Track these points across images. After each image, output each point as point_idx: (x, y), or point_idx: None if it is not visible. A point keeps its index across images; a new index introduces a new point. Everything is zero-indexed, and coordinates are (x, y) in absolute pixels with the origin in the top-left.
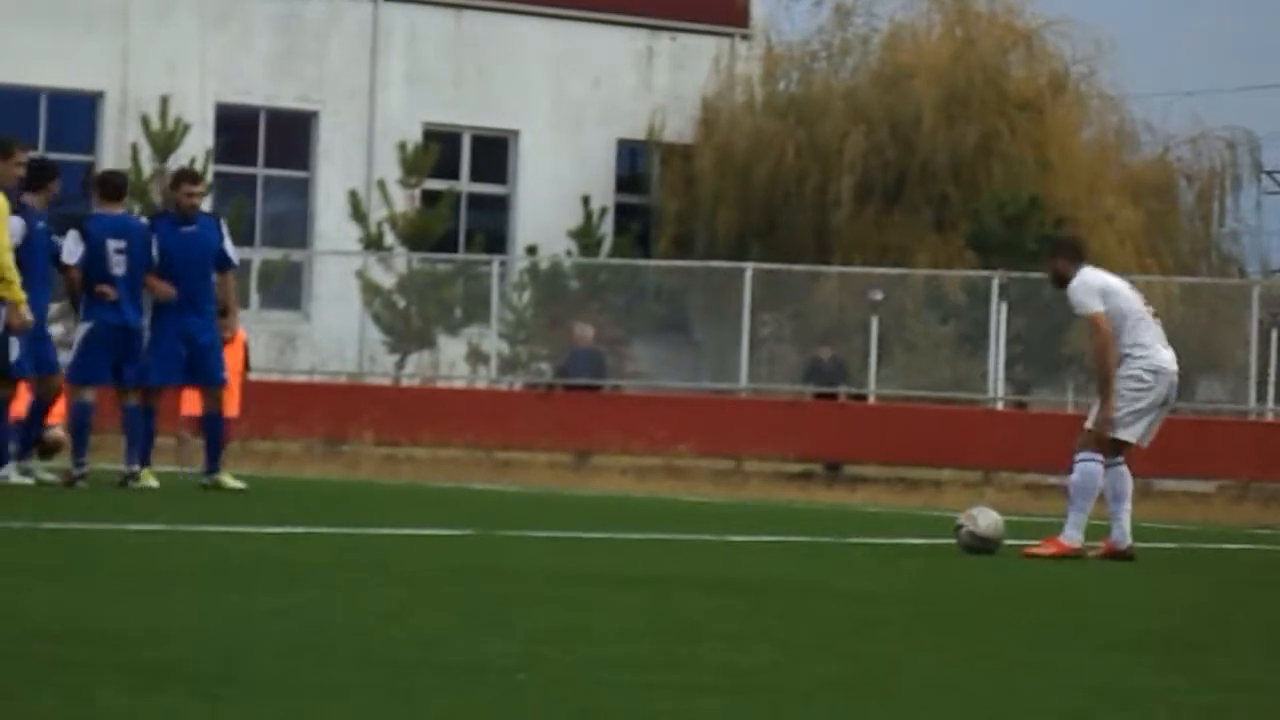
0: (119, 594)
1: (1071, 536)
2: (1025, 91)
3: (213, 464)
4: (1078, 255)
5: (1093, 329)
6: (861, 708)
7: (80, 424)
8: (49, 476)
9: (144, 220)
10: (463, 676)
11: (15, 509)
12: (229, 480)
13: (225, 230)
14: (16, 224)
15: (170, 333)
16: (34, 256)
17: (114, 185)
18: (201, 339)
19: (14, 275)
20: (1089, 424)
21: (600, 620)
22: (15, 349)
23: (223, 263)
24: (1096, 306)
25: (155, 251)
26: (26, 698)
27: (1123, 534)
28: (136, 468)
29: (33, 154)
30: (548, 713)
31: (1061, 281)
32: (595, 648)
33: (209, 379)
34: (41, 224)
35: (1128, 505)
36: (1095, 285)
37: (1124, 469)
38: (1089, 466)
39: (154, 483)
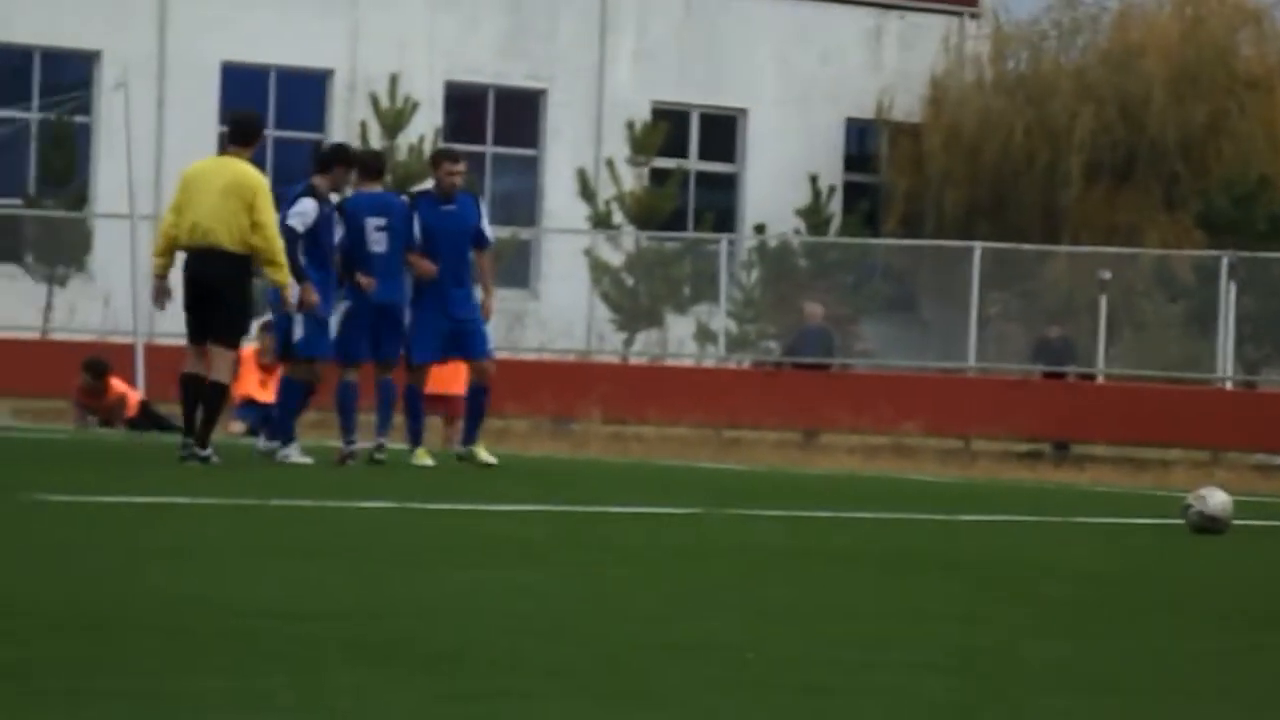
0: (346, 571)
1: None
2: (1255, 70)
3: (470, 435)
4: None
5: None
6: (1088, 691)
7: (346, 403)
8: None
9: (404, 198)
10: (689, 655)
11: (261, 487)
12: (483, 454)
13: (484, 209)
14: (309, 205)
15: (432, 311)
16: (323, 239)
17: (373, 164)
18: (463, 314)
19: (284, 259)
20: None
21: (826, 599)
22: (299, 329)
23: (480, 241)
24: None
25: (417, 230)
26: (256, 675)
27: None
28: (383, 441)
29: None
30: (774, 691)
31: None
32: (821, 626)
33: (474, 352)
34: (329, 207)
35: None
36: None
37: None
38: None
39: (429, 461)
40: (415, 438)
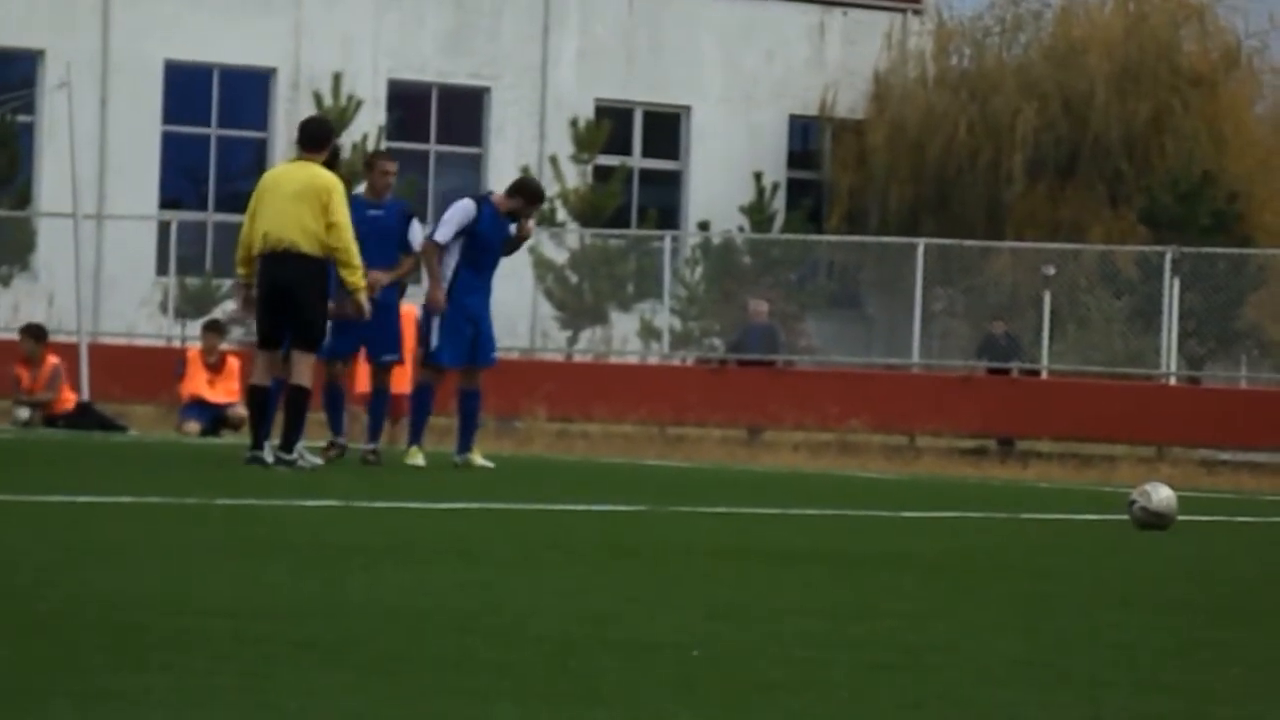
0: (295, 570)
1: None
2: (1198, 66)
3: (465, 443)
4: None
5: None
6: (1038, 685)
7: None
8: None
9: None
10: (636, 654)
11: (208, 487)
12: (478, 459)
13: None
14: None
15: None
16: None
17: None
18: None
19: (358, 260)
20: None
21: (773, 597)
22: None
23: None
24: None
25: None
26: (206, 674)
27: None
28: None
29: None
30: (721, 689)
31: None
32: (769, 624)
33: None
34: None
35: None
36: None
37: None
38: None
39: (420, 461)
40: (410, 436)
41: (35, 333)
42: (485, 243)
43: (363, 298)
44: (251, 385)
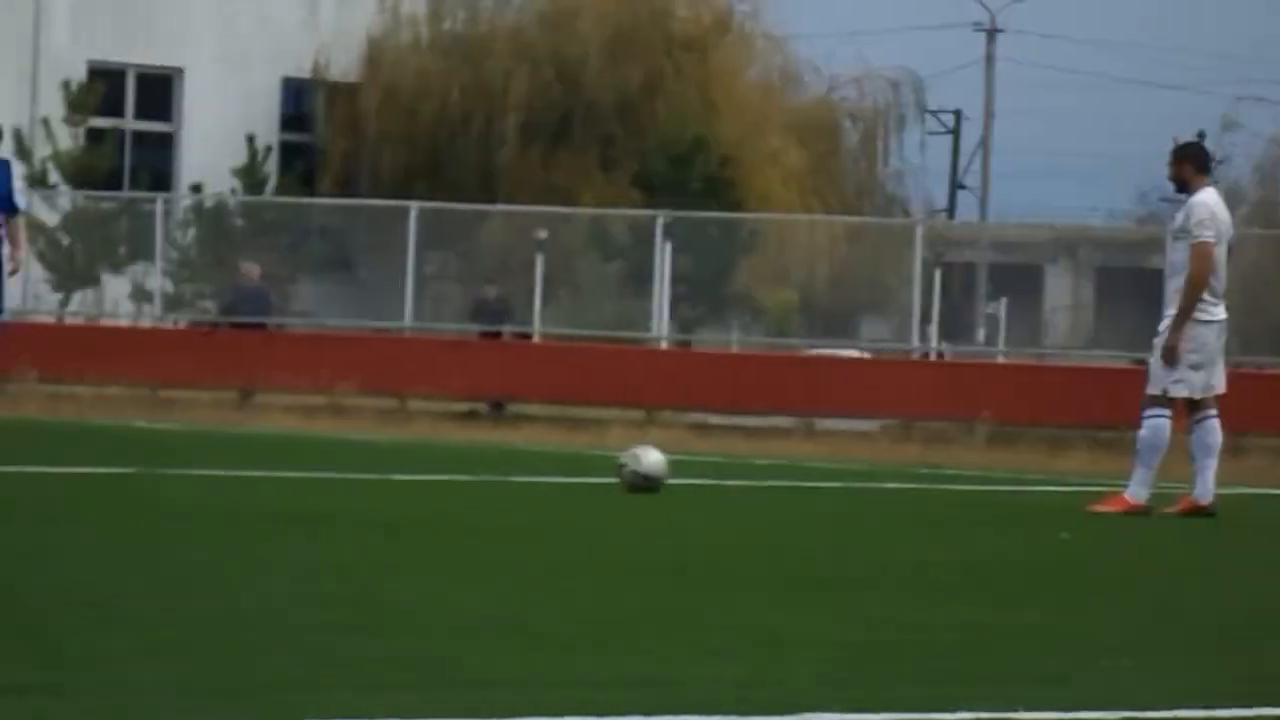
0: None
1: (1137, 493)
2: (690, 31)
3: None
4: (1204, 166)
5: (1196, 256)
6: (509, 647)
7: None
8: None
9: None
10: (106, 614)
11: None
12: None
13: (16, 174)
14: None
15: None
16: None
17: None
18: None
19: None
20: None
21: (257, 558)
22: None
23: (9, 207)
24: (1210, 237)
25: None
26: None
27: (1205, 490)
28: None
29: None
30: (193, 649)
31: (1182, 187)
32: (253, 586)
33: None
34: None
35: (1213, 461)
36: (1219, 215)
37: (1214, 422)
38: (1157, 422)
39: None
40: None
41: None
42: None
43: None
44: None
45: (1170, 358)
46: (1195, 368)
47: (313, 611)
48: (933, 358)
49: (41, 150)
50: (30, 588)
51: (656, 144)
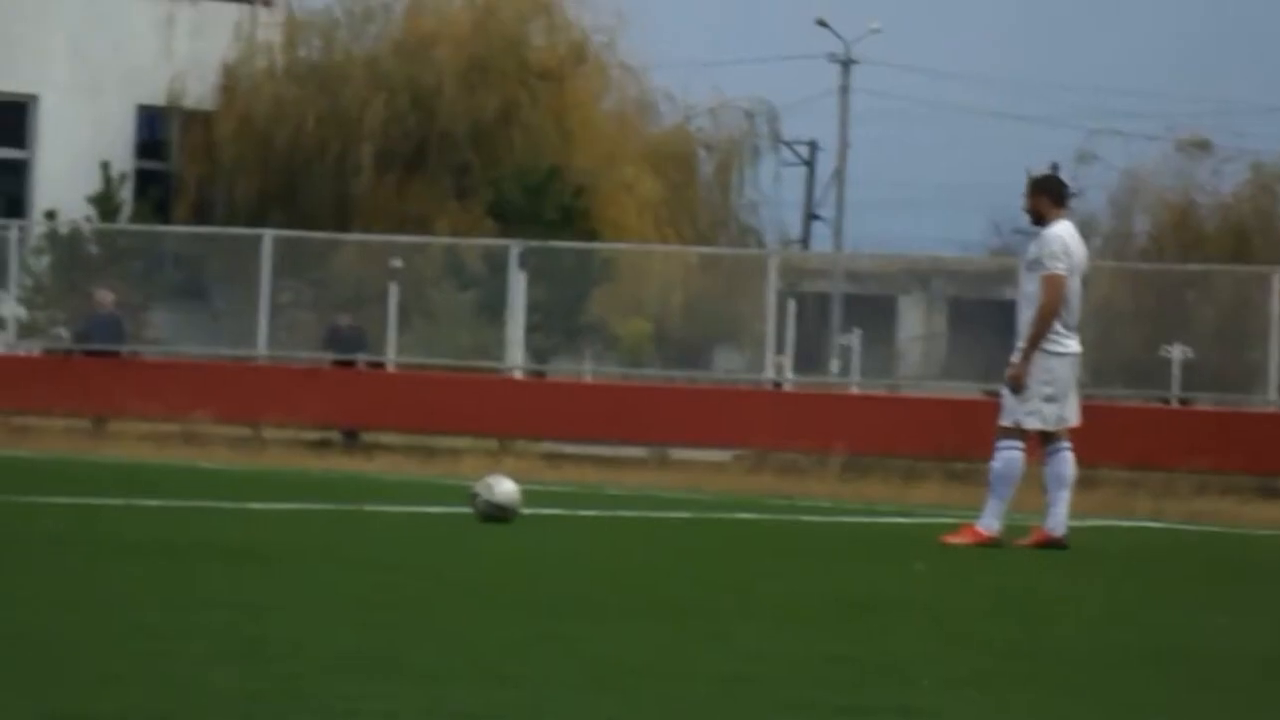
0: None
1: (989, 525)
2: (546, 61)
3: None
4: (1060, 198)
5: (1047, 288)
6: (378, 678)
7: None
8: None
9: None
10: None
11: None
12: None
13: None
14: None
15: None
16: None
17: None
18: None
19: None
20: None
21: (115, 588)
22: None
23: None
24: (1061, 270)
25: None
26: None
27: (1058, 521)
28: None
29: None
30: (61, 678)
31: (1038, 219)
32: (111, 616)
33: None
34: None
35: (1066, 493)
36: (1072, 248)
37: (1067, 454)
38: (1009, 454)
39: None
40: None
41: None
42: None
43: None
44: None
45: (1015, 386)
46: (1049, 400)
47: (179, 643)
48: (786, 389)
49: None
50: None
51: (512, 173)
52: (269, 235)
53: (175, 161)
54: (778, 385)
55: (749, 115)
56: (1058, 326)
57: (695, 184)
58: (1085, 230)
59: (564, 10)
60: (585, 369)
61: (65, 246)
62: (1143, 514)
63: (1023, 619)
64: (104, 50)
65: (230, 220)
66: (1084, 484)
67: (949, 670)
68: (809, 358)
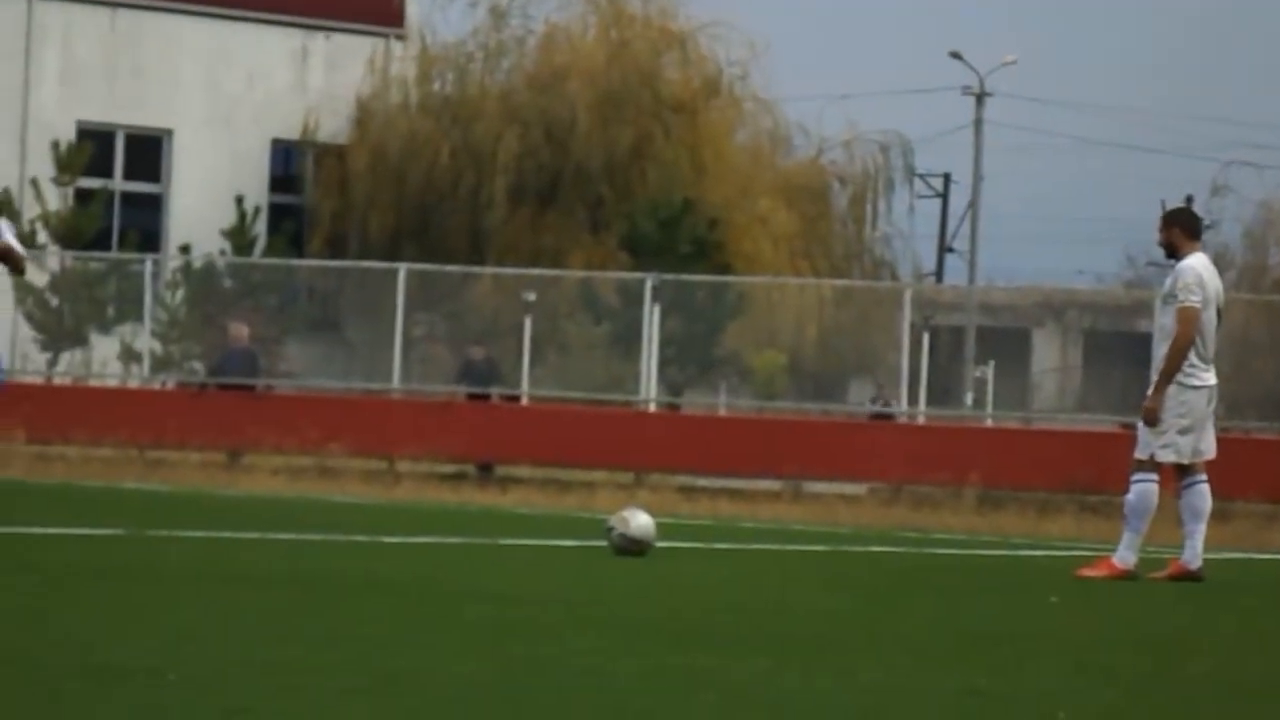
0: None
1: (1124, 558)
2: (679, 94)
3: None
4: (1194, 231)
5: (1181, 321)
6: (509, 710)
7: None
8: None
9: None
10: (109, 678)
11: None
12: None
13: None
14: None
15: None
16: None
17: None
18: None
19: None
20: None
21: (248, 621)
22: None
23: None
24: (1196, 302)
25: None
26: None
27: (1194, 554)
28: None
29: None
30: (195, 713)
31: (1172, 252)
32: (243, 649)
33: None
34: None
35: (1202, 526)
36: (1207, 281)
37: (1203, 487)
38: (1144, 487)
39: None
40: None
41: None
42: None
43: None
44: None
45: (1150, 420)
46: (1184, 432)
47: (312, 677)
48: (921, 422)
49: (30, 211)
50: (35, 648)
51: (645, 206)
52: (404, 269)
53: (309, 195)
54: (888, 415)
55: (883, 148)
56: (1193, 359)
57: (829, 217)
58: (1220, 263)
59: (697, 43)
60: (719, 402)
61: (199, 280)
62: (1279, 547)
63: (1157, 652)
64: (238, 84)
65: (364, 254)
66: (1219, 517)
67: (1083, 703)
68: (943, 391)
